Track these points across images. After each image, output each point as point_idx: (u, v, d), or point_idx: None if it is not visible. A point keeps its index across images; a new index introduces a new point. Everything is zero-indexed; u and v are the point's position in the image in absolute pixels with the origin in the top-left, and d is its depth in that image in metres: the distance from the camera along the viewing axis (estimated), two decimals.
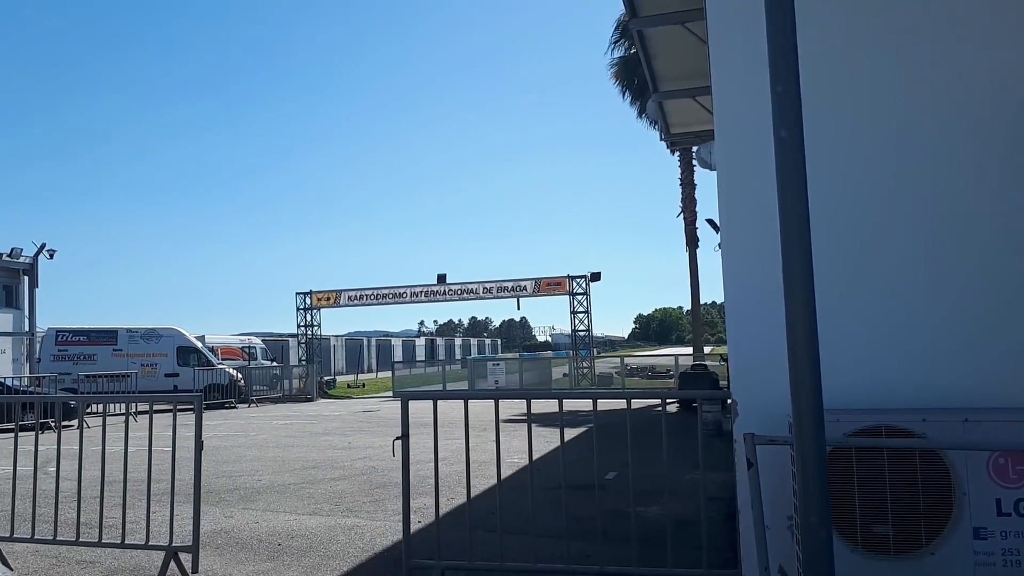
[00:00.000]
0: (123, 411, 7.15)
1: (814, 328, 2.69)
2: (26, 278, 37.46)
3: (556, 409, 5.93)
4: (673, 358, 31.63)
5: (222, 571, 6.33)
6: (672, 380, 30.07)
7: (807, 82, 2.90)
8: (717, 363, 26.32)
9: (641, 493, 5.63)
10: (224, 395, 27.89)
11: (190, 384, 27.26)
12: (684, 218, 30.42)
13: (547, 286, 35.62)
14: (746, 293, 4.48)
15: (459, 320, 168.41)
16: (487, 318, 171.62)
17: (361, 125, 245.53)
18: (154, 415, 6.70)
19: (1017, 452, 3.54)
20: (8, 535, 6.54)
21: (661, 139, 20.29)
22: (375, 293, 37.75)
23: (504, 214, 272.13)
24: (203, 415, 6.24)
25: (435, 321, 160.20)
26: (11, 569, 6.39)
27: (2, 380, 21.86)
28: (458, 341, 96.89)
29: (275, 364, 37.94)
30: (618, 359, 37.06)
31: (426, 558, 5.88)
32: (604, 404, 6.09)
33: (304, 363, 36.24)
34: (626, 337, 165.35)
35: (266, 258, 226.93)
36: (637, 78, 27.38)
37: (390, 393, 32.92)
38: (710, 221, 22.82)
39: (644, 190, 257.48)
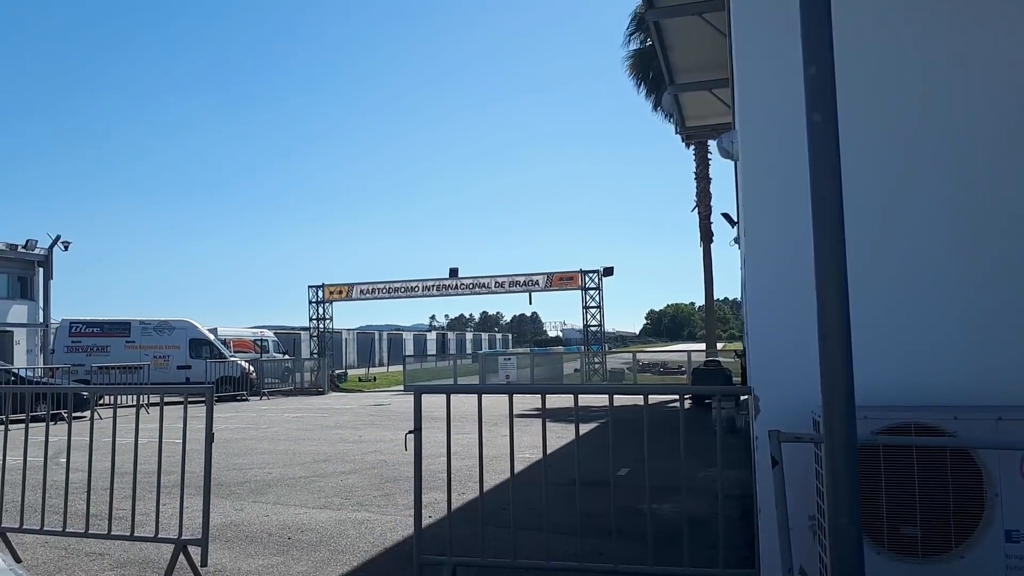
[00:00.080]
0: (135, 403, 7.14)
1: (846, 321, 2.57)
2: (41, 270, 37.74)
3: (567, 404, 5.84)
4: (686, 354, 31.41)
5: (231, 565, 6.27)
6: (685, 376, 29.91)
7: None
8: (731, 360, 26.13)
9: (654, 490, 5.52)
10: (236, 388, 27.95)
11: (202, 376, 27.32)
12: (699, 212, 30.24)
13: (559, 280, 35.50)
14: (768, 286, 4.35)
15: (470, 315, 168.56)
16: (498, 313, 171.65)
17: (375, 119, 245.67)
18: (166, 407, 6.64)
19: None
20: (17, 526, 6.50)
21: (676, 132, 20.10)
22: (387, 286, 37.76)
23: (517, 209, 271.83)
24: (214, 407, 6.18)
25: (446, 315, 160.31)
26: (19, 561, 6.35)
27: (16, 371, 21.98)
28: (469, 336, 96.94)
29: (287, 357, 38.01)
30: (630, 355, 36.95)
31: (437, 554, 5.79)
32: (616, 400, 5.98)
33: (316, 356, 36.30)
34: (637, 333, 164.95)
35: (279, 251, 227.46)
36: (652, 71, 27.18)
37: (401, 387, 32.91)
38: (726, 215, 22.61)
39: (658, 185, 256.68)
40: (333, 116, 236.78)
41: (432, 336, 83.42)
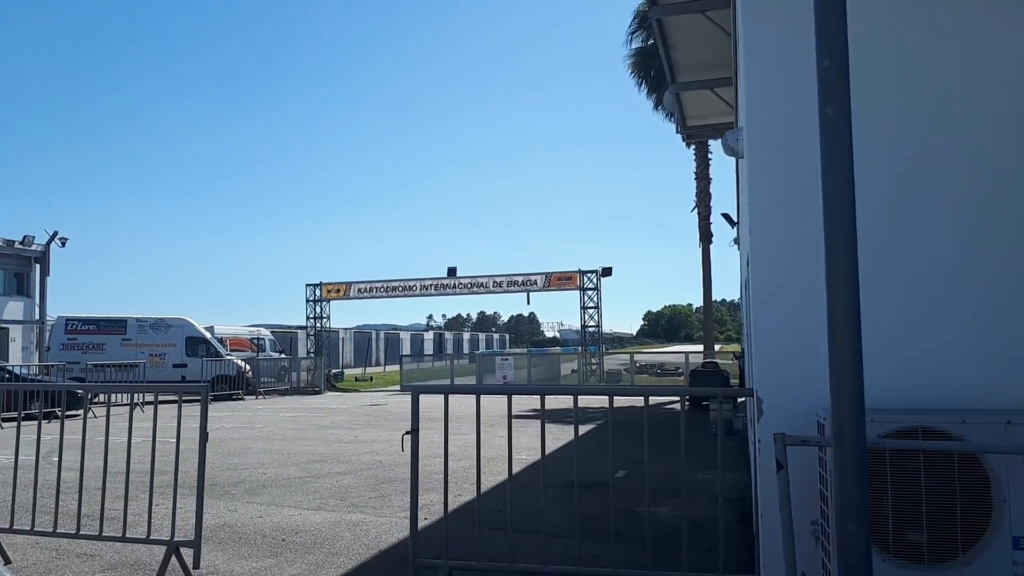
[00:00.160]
0: (132, 401, 7.10)
1: (857, 322, 2.49)
2: (38, 266, 37.61)
3: (564, 405, 5.75)
4: (683, 355, 31.34)
5: (224, 567, 6.18)
6: (682, 378, 29.84)
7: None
8: (729, 361, 26.05)
9: (651, 492, 5.45)
10: (232, 386, 27.84)
11: (198, 375, 27.21)
12: (698, 213, 30.16)
13: (557, 280, 35.44)
14: (772, 286, 4.27)
15: (467, 315, 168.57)
16: (496, 313, 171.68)
17: (373, 118, 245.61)
18: (161, 406, 6.56)
19: None
20: (8, 526, 6.40)
21: (677, 132, 19.99)
22: (385, 285, 37.68)
23: (515, 208, 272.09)
24: (210, 406, 6.09)
25: (443, 315, 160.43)
26: (9, 562, 6.26)
27: (11, 368, 21.87)
28: (466, 336, 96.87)
29: (283, 356, 37.88)
30: (627, 356, 36.88)
31: (433, 557, 5.71)
32: (613, 401, 5.91)
33: (312, 355, 36.20)
34: (634, 334, 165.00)
35: (276, 250, 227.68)
36: (654, 70, 27.10)
37: (397, 387, 32.81)
38: (726, 216, 22.58)
39: (657, 185, 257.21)
40: (332, 115, 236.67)
41: (429, 336, 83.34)
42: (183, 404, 6.00)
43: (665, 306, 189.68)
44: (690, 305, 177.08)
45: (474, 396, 5.89)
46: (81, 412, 7.17)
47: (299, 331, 46.71)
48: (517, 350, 71.71)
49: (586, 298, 35.31)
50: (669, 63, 13.29)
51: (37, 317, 37.04)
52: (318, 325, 38.44)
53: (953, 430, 3.39)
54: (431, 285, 37.14)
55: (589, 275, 35.17)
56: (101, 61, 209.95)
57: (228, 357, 29.43)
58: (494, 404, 6.09)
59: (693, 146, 29.38)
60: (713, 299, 33.39)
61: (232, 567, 6.18)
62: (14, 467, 6.65)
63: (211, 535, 7.04)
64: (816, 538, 3.78)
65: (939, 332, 3.96)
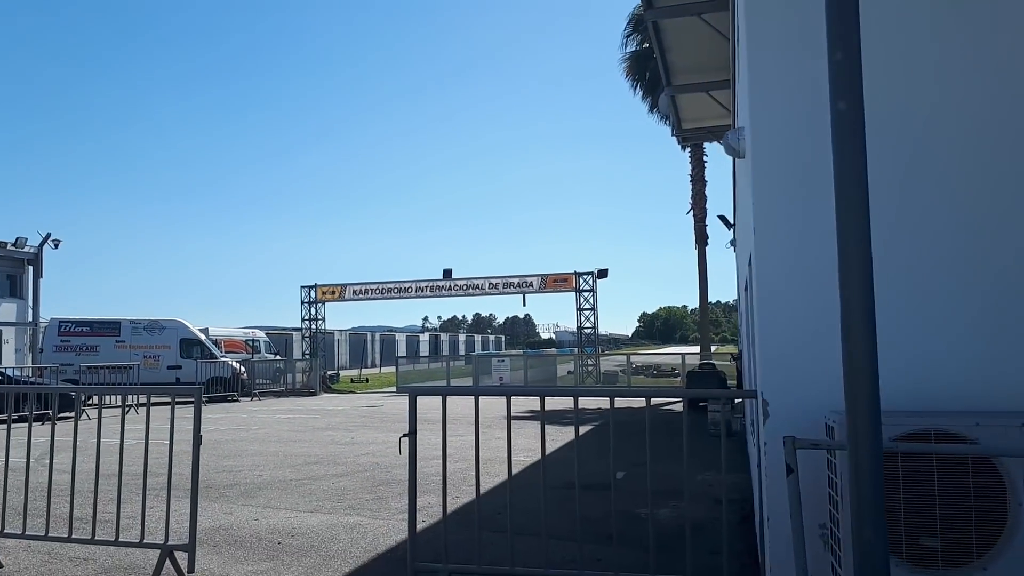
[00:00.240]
0: (125, 403, 6.97)
1: (872, 321, 2.42)
2: (30, 268, 37.38)
3: (560, 406, 5.68)
4: (680, 357, 31.26)
5: (219, 571, 6.09)
6: (679, 379, 29.75)
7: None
8: (726, 363, 26.00)
9: (651, 494, 5.37)
10: (227, 388, 27.70)
11: (193, 376, 27.06)
12: (694, 215, 30.11)
13: (553, 282, 35.37)
14: (778, 286, 4.19)
15: (463, 316, 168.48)
16: (491, 315, 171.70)
17: (368, 119, 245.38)
18: (155, 408, 6.46)
19: None
20: None
21: (673, 134, 19.96)
22: (380, 287, 37.55)
23: (511, 210, 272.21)
24: (205, 408, 6.00)
25: (439, 317, 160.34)
26: (1, 566, 6.15)
27: (3, 370, 21.70)
28: (462, 337, 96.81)
29: (278, 357, 37.74)
30: (623, 357, 36.79)
31: (432, 560, 5.62)
32: (608, 402, 5.84)
33: (308, 357, 36.05)
34: (630, 335, 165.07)
35: (271, 251, 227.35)
36: (649, 72, 27.10)
37: (393, 388, 32.70)
38: (722, 217, 22.53)
39: (652, 187, 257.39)
40: (327, 116, 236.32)
41: (425, 337, 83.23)
42: (177, 406, 5.90)
43: (660, 308, 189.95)
44: (685, 307, 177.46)
45: (470, 397, 5.82)
46: (73, 414, 7.07)
47: (294, 333, 46.55)
48: (513, 351, 71.64)
49: (582, 300, 35.24)
50: (664, 66, 13.25)
51: (30, 319, 36.82)
52: (313, 327, 38.29)
53: (967, 433, 3.33)
54: (426, 287, 37.02)
55: (585, 277, 35.11)
56: (96, 61, 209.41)
57: (223, 359, 29.27)
58: (490, 405, 6.01)
59: (688, 148, 29.35)
60: (708, 301, 33.32)
61: (227, 571, 6.08)
62: (4, 470, 6.55)
63: (206, 538, 6.95)
64: (825, 542, 3.71)
65: (949, 331, 3.88)
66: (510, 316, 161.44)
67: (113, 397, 17.16)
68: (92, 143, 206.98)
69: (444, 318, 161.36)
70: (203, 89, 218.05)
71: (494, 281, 36.17)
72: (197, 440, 5.78)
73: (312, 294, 38.02)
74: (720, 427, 13.14)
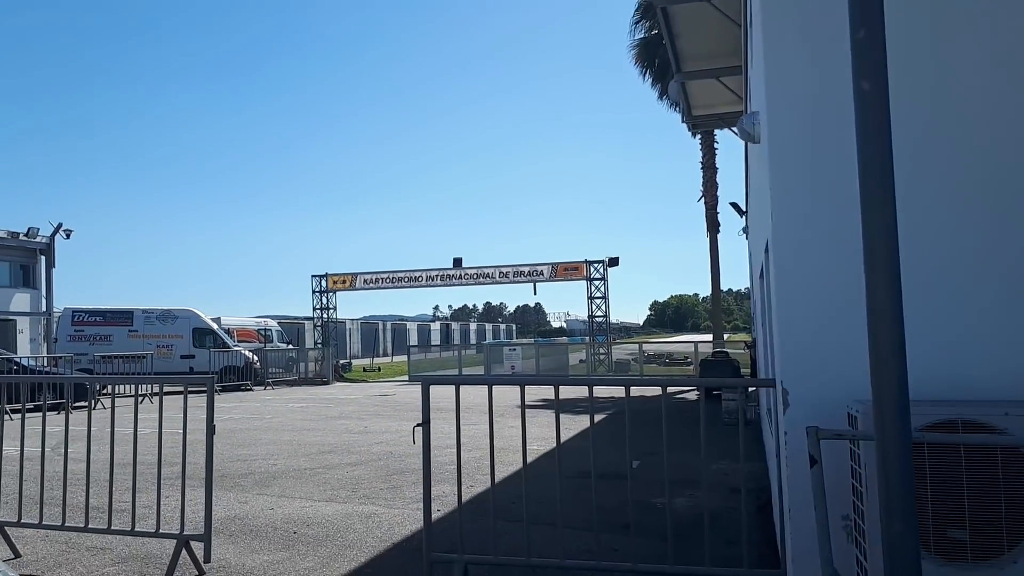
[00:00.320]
0: (138, 392, 7.02)
1: (899, 307, 2.36)
2: (43, 258, 37.58)
3: (571, 396, 5.63)
4: (692, 345, 31.15)
5: (236, 560, 6.10)
6: (692, 368, 29.65)
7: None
8: (740, 351, 25.89)
9: (666, 483, 5.33)
10: (240, 377, 27.82)
11: (206, 366, 27.17)
12: (705, 202, 29.90)
13: (564, 271, 35.30)
14: (798, 274, 4.11)
15: (474, 305, 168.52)
16: (501, 303, 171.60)
17: (378, 110, 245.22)
18: (169, 397, 6.45)
19: None
20: (16, 520, 6.33)
21: (683, 121, 19.81)
22: (391, 276, 37.58)
23: (522, 199, 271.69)
24: (219, 397, 5.99)
25: (450, 306, 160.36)
26: (19, 555, 6.18)
27: (18, 359, 21.85)
28: (473, 326, 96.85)
29: (291, 347, 37.86)
30: (635, 346, 36.68)
31: (446, 550, 5.60)
32: (621, 391, 5.78)
33: (320, 346, 36.15)
34: (641, 324, 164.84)
35: (283, 241, 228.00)
36: (658, 59, 26.85)
37: (406, 377, 32.76)
38: (734, 204, 22.38)
39: (663, 175, 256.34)
40: (337, 106, 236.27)
41: (436, 326, 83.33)
42: (190, 395, 5.89)
43: (671, 296, 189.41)
44: (696, 295, 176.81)
45: (482, 387, 5.78)
46: (87, 404, 7.08)
47: (306, 322, 46.68)
48: (525, 340, 71.64)
49: (593, 288, 35.16)
50: (674, 52, 13.12)
51: (44, 309, 37.07)
52: (324, 316, 38.39)
53: (996, 423, 3.26)
54: (437, 276, 37.03)
55: (596, 265, 35.02)
56: (104, 53, 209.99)
57: (236, 348, 29.39)
58: (503, 394, 5.97)
59: (699, 135, 29.11)
60: (721, 289, 33.15)
61: (243, 560, 6.09)
62: (20, 460, 6.57)
63: (222, 528, 6.97)
64: (848, 533, 3.65)
65: (976, 317, 3.80)
66: (520, 305, 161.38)
67: (127, 386, 17.24)
68: (102, 134, 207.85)
69: (455, 307, 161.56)
70: (213, 80, 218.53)
71: (504, 270, 36.14)
72: (211, 429, 5.77)
73: (323, 283, 38.11)
74: (735, 416, 13.09)
